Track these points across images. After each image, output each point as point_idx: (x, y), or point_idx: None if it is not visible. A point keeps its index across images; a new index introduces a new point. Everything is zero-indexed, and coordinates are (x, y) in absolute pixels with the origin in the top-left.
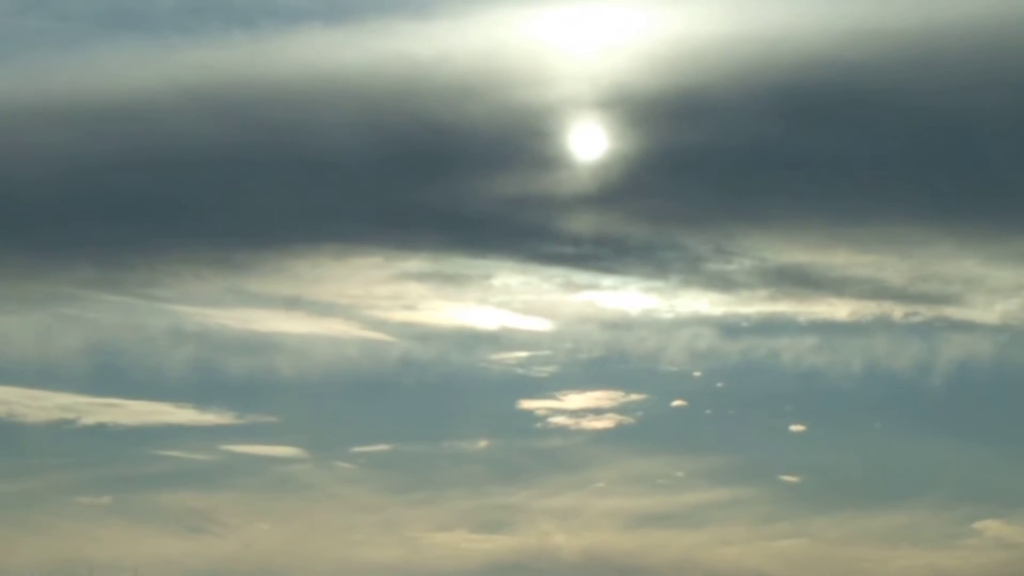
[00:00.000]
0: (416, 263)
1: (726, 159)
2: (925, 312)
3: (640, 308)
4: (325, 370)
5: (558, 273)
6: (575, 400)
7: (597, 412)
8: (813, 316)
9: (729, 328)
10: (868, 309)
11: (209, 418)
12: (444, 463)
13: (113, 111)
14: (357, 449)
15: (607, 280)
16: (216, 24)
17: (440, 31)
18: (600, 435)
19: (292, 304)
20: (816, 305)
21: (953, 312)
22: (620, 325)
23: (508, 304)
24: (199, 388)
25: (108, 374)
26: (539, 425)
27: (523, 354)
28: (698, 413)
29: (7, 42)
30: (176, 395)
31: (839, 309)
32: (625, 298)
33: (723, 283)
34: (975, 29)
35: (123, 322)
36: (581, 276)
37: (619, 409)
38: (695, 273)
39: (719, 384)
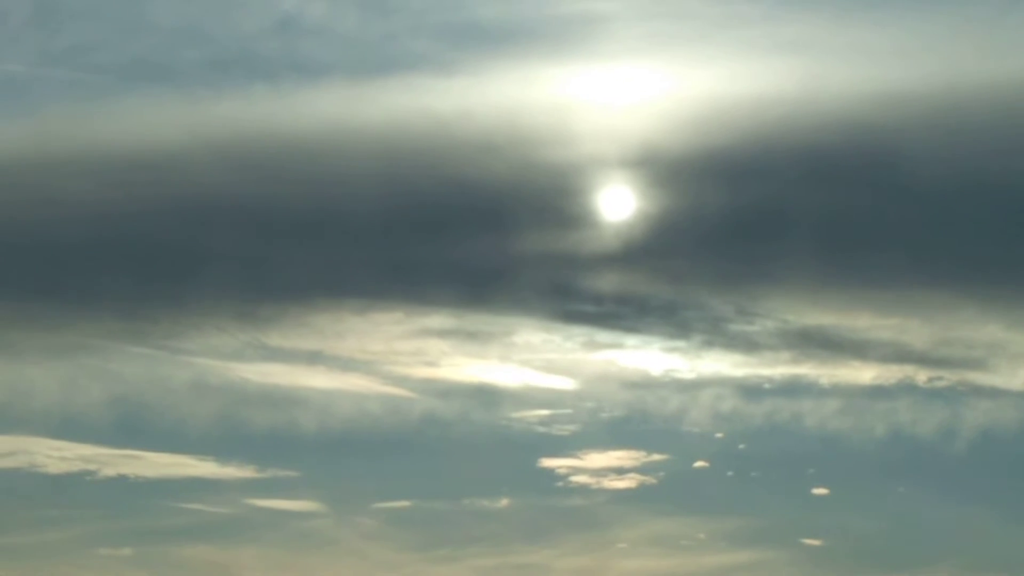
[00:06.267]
0: (438, 319)
1: (750, 220)
2: (949, 377)
3: (662, 368)
4: (346, 425)
5: (580, 332)
6: (596, 459)
7: (619, 472)
8: (836, 379)
9: (751, 390)
10: (891, 373)
11: (230, 471)
12: (465, 520)
13: (138, 163)
14: (378, 505)
15: (629, 339)
16: (239, 78)
17: (463, 87)
18: (621, 495)
19: (313, 359)
20: (839, 368)
21: (977, 377)
22: (642, 385)
23: (530, 362)
24: (220, 441)
25: (129, 426)
26: (560, 484)
27: (544, 412)
28: (720, 474)
29: (37, 93)
30: (197, 448)
31: (862, 373)
32: (647, 358)
33: (745, 344)
34: (1002, 93)
35: (145, 374)
36: (603, 335)
37: (641, 469)
38: (717, 334)
39: (741, 446)
